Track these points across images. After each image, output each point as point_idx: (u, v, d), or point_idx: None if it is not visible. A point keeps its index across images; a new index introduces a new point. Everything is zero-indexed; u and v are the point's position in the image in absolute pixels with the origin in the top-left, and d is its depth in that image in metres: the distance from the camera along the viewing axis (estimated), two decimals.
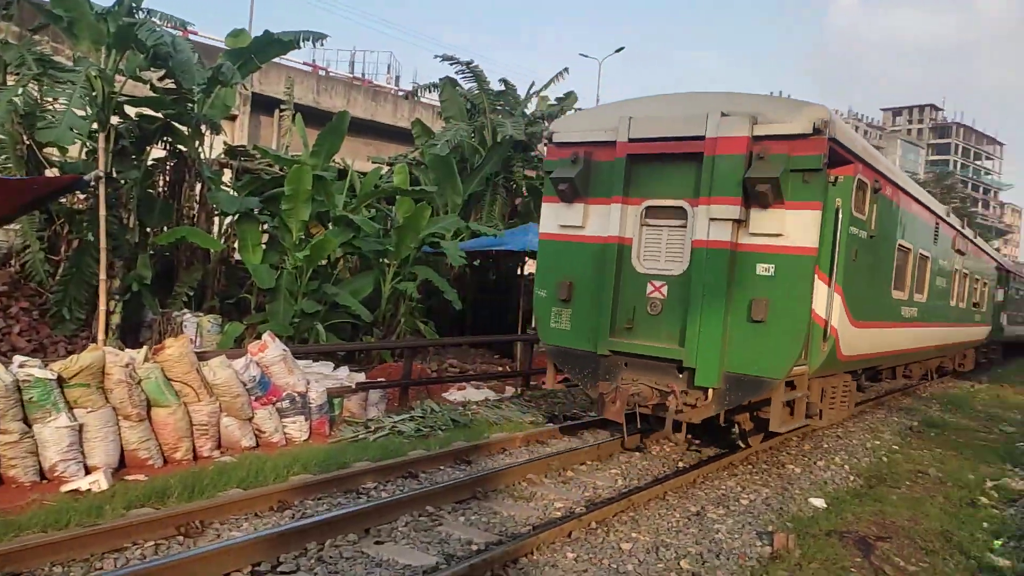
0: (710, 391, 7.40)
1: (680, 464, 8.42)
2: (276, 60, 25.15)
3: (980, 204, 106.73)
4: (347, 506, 6.00)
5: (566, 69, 18.90)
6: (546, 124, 19.19)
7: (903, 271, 10.90)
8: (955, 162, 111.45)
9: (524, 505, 6.55)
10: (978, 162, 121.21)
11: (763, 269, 7.24)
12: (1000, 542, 6.64)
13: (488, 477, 6.94)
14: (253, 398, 7.94)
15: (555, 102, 19.26)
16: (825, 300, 7.64)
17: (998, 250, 74.11)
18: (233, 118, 25.65)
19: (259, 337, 9.07)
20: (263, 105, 25.95)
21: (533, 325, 10.64)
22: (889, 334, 10.85)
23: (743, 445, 8.92)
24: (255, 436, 7.99)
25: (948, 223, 13.78)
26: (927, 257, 12.18)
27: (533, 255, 15.30)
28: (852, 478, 8.60)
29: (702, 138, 7.38)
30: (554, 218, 8.53)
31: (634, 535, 5.92)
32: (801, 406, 7.96)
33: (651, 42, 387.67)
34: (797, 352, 7.18)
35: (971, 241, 16.73)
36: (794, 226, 7.10)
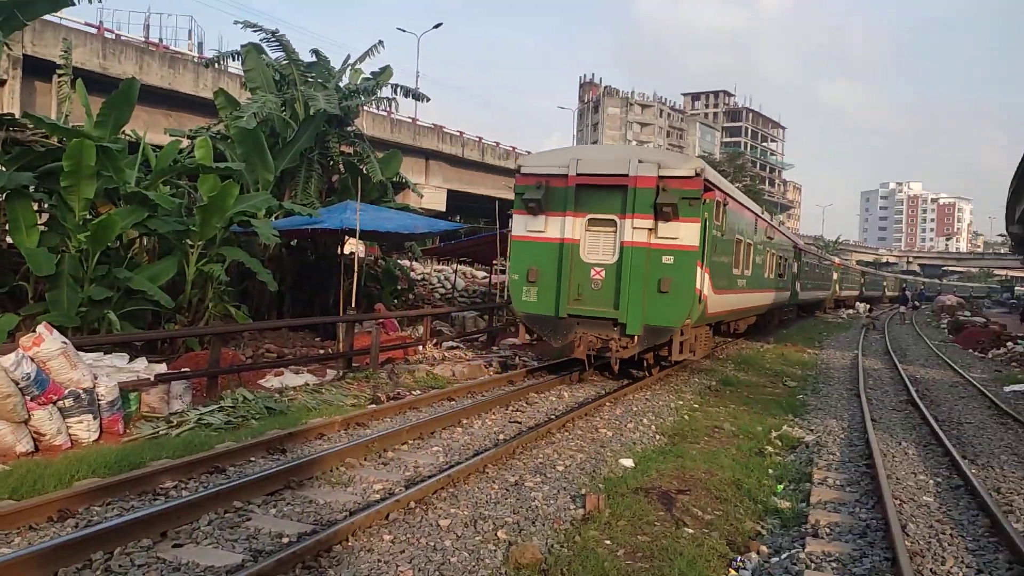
0: (636, 337, 11.27)
1: (501, 436, 8.55)
2: (53, 19, 22.46)
3: (767, 182, 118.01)
4: (141, 509, 5.49)
5: (381, 42, 18.42)
6: (362, 97, 18.64)
7: (738, 255, 14.95)
8: (745, 144, 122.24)
9: (342, 491, 6.34)
10: (765, 144, 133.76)
11: (667, 259, 11.14)
12: (782, 486, 7.37)
13: (303, 465, 6.64)
14: (28, 398, 7.06)
15: (370, 76, 18.74)
16: (700, 278, 11.31)
17: (783, 223, 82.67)
18: (2, 83, 22.62)
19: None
20: (39, 70, 23.04)
21: (507, 299, 14.93)
22: (733, 298, 15.16)
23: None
24: (33, 440, 7.13)
25: (762, 219, 18.93)
26: (751, 244, 16.42)
27: (352, 233, 14.91)
28: (658, 437, 9.18)
29: (627, 175, 11.22)
30: (524, 225, 12.12)
31: (453, 511, 5.92)
32: (687, 345, 12.01)
33: (471, 20, 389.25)
34: (687, 311, 11.16)
35: (777, 228, 22.00)
36: (685, 233, 11.09)
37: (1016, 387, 15.23)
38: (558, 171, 11.63)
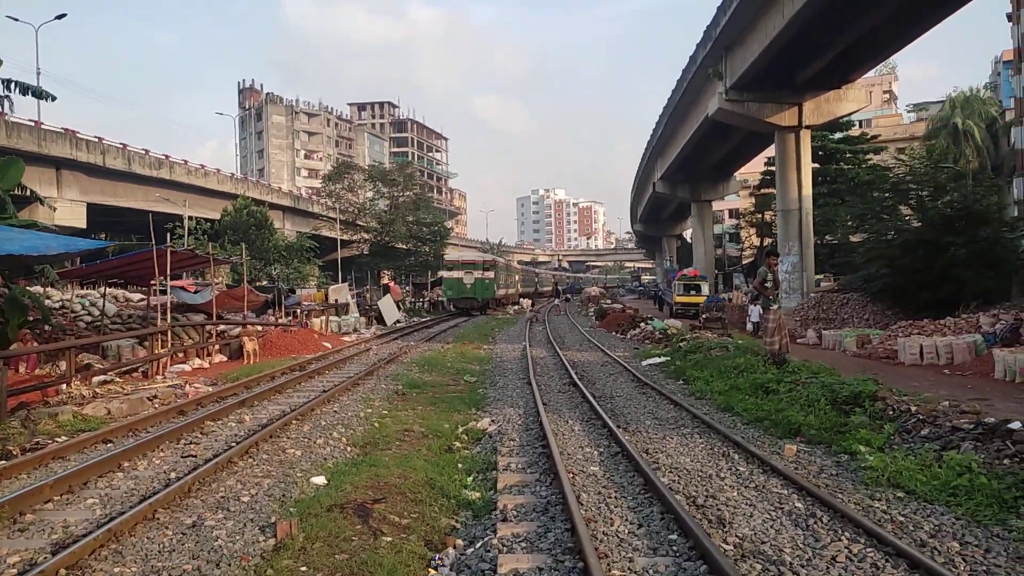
0: (478, 299, 44.52)
1: (172, 475, 7.64)
2: None
3: (435, 191, 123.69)
4: None
5: None
6: None
7: (501, 277, 48.18)
8: (412, 154, 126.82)
9: None
10: (431, 153, 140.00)
11: (488, 279, 44.60)
12: (471, 478, 7.66)
13: None
14: None
15: None
16: (495, 285, 45.40)
17: (451, 229, 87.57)
18: None
19: None
20: None
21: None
22: (501, 291, 47.96)
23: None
24: None
25: (500, 261, 53.27)
26: (502, 273, 49.68)
27: None
28: (350, 449, 8.98)
29: (477, 263, 45.64)
30: (448, 274, 45.05)
31: (117, 570, 5.09)
32: (494, 302, 47.19)
33: (100, 11, 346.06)
34: (492, 293, 45.30)
35: (508, 264, 58.71)
36: (487, 273, 45.22)
37: (650, 360, 17.86)
38: (454, 258, 48.06)
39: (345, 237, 59.67)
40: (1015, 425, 7.41)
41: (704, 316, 28.97)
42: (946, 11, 24.47)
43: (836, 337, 20.35)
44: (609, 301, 50.25)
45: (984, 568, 5.00)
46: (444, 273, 45.76)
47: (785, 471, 7.30)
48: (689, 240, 67.24)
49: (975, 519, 5.93)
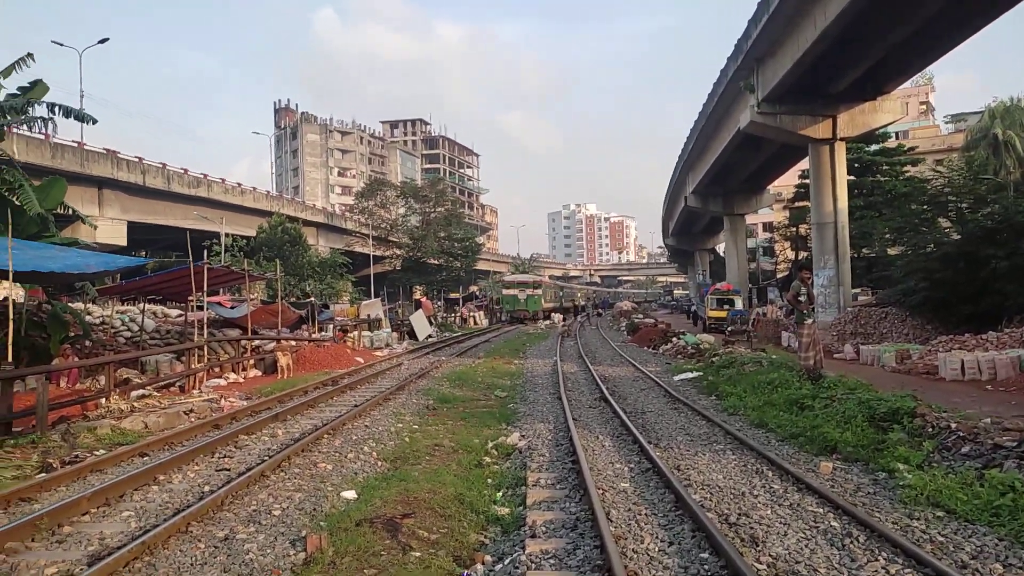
0: (537, 312, 56.04)
1: (206, 489, 7.74)
2: None
3: (467, 206, 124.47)
4: None
5: (30, 55, 15.92)
6: (7, 117, 16.06)
7: (547, 294, 62.60)
8: (444, 170, 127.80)
9: None
10: (462, 170, 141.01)
11: (536, 296, 56.65)
12: (500, 493, 7.63)
13: None
14: None
15: (17, 91, 16.11)
16: (542, 301, 58.35)
17: (482, 245, 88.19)
18: None
19: None
20: None
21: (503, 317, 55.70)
22: (547, 304, 60.80)
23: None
24: None
25: (547, 280, 74.71)
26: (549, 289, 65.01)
27: (5, 275, 12.62)
28: (380, 463, 9.01)
29: (528, 283, 58.95)
30: (507, 291, 57.36)
31: None
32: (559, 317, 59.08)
33: (140, 37, 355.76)
34: (540, 307, 57.53)
35: (553, 282, 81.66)
36: (536, 291, 57.83)
37: (682, 375, 17.68)
38: (510, 279, 60.96)
39: (377, 253, 60.29)
40: None
41: (730, 329, 29.21)
42: (985, 19, 24.00)
43: (874, 352, 19.94)
44: (641, 316, 49.96)
45: None
46: (504, 291, 58.34)
47: (820, 489, 7.15)
48: (722, 254, 66.57)
49: (1019, 540, 5.74)
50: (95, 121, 17.45)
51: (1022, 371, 14.64)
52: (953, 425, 8.65)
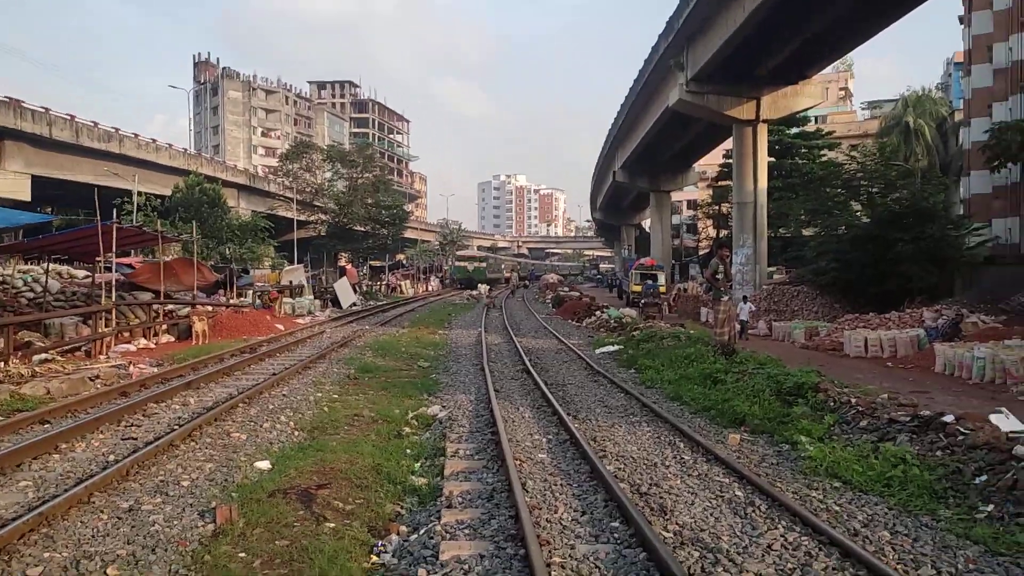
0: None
1: (111, 458, 7.45)
2: None
3: (396, 173, 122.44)
4: None
5: None
6: None
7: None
8: (373, 135, 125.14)
9: None
10: (391, 136, 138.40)
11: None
12: (419, 464, 7.63)
13: None
14: None
15: None
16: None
17: (410, 212, 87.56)
18: None
19: None
20: None
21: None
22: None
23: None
24: None
25: (492, 253, 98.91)
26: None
27: None
28: (297, 433, 8.86)
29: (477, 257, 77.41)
30: (459, 263, 73.31)
31: (47, 555, 4.95)
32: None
33: None
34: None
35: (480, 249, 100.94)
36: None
37: (604, 349, 18.00)
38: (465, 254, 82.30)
39: (301, 218, 58.75)
40: (948, 418, 7.65)
41: (643, 302, 30.43)
42: (900, 11, 24.97)
43: (786, 328, 20.78)
44: (567, 289, 50.48)
45: (911, 556, 5.17)
46: (456, 263, 74.28)
47: (727, 460, 7.43)
48: (648, 229, 67.89)
49: (907, 509, 6.11)
50: None
51: (920, 349, 15.53)
52: (853, 400, 9.12)
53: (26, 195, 38.21)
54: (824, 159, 43.74)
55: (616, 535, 5.49)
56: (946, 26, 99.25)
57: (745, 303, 20.72)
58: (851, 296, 22.89)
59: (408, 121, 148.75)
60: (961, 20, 34.84)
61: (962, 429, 7.34)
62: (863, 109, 72.84)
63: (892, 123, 47.48)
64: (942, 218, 22.97)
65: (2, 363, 12.37)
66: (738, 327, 19.36)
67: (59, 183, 41.81)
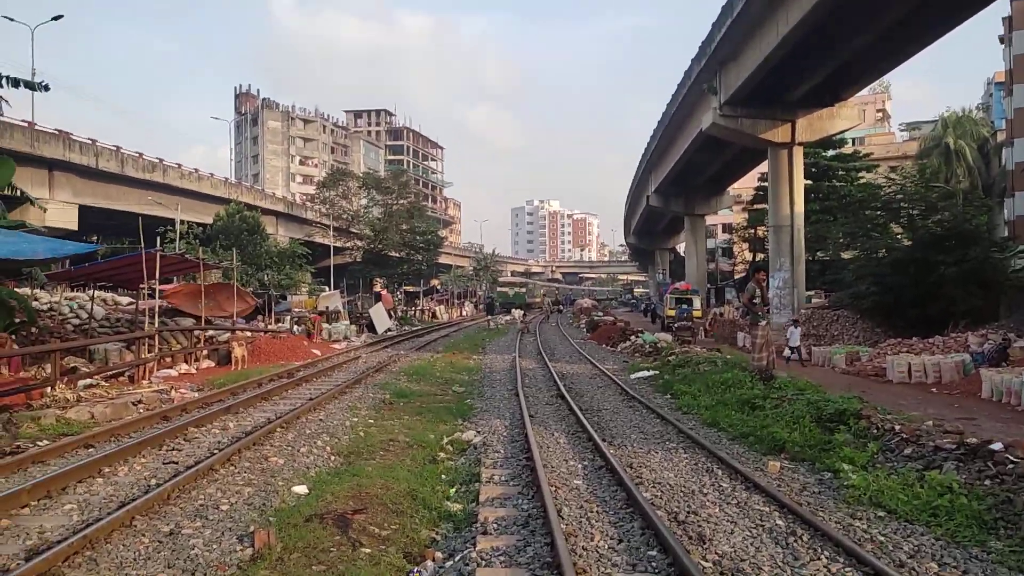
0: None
1: (153, 482, 7.58)
2: None
3: (430, 199, 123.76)
4: None
5: None
6: None
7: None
8: (408, 162, 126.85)
9: None
10: (426, 162, 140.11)
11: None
12: (454, 490, 7.62)
13: None
14: None
15: None
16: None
17: (444, 238, 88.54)
18: None
19: None
20: None
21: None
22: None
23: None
24: None
25: (526, 278, 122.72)
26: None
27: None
28: (333, 458, 8.93)
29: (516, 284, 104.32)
30: (501, 289, 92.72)
31: None
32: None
33: (96, 16, 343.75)
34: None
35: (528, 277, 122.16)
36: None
37: (639, 374, 17.85)
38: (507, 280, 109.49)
39: (338, 244, 59.60)
40: (996, 446, 7.42)
41: (677, 326, 30.27)
42: (938, 32, 24.68)
43: (825, 354, 20.39)
44: (601, 313, 50.29)
45: None
46: (499, 288, 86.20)
47: (768, 488, 7.29)
48: (682, 254, 67.38)
49: (954, 540, 5.93)
50: (47, 88, 16.70)
51: (966, 375, 15.11)
52: (897, 427, 8.89)
53: (74, 224, 39.36)
54: (862, 181, 43.12)
55: (654, 564, 5.41)
56: (985, 46, 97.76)
57: (796, 327, 20.30)
58: (892, 320, 22.41)
59: (442, 148, 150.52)
60: (1001, 40, 34.27)
61: (1011, 457, 7.11)
62: (901, 131, 71.77)
63: (932, 144, 46.67)
64: (985, 240, 22.44)
65: (49, 388, 12.69)
66: (788, 352, 19.00)
67: (105, 212, 43.04)
